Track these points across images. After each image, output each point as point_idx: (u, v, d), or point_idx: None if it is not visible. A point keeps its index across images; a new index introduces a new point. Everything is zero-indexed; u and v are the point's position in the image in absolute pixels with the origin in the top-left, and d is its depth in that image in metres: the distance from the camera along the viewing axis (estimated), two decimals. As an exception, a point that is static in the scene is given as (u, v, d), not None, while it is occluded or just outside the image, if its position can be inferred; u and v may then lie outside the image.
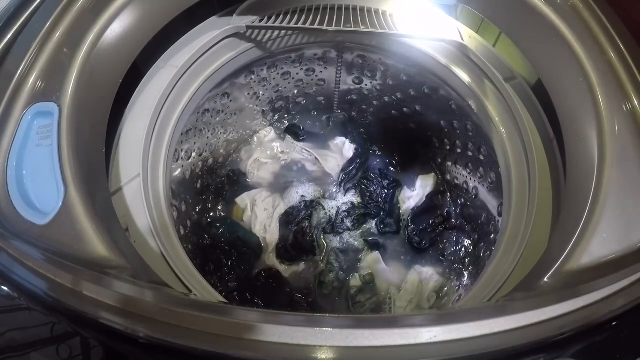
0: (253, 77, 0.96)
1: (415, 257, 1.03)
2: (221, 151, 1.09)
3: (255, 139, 1.18)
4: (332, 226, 1.06)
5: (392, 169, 1.19)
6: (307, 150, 1.18)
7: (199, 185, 1.00)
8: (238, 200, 1.08)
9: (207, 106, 0.90)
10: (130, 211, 0.60)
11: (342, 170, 1.15)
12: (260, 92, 1.05)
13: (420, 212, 1.07)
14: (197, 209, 1.00)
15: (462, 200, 1.03)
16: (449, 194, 1.09)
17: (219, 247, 0.97)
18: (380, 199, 1.10)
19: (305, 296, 0.96)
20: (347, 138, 1.20)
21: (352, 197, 1.13)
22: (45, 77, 0.54)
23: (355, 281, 0.97)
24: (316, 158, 1.16)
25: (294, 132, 1.21)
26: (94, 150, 0.56)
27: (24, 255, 0.41)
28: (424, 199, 1.09)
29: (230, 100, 0.97)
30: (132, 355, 0.36)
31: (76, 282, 0.39)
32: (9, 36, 0.56)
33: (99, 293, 0.38)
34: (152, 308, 0.37)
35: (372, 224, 1.08)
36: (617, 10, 0.60)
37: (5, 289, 0.39)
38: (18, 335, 0.38)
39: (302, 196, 1.11)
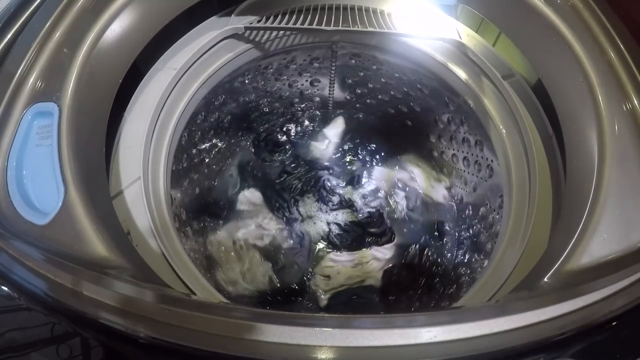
0: (251, 77, 0.96)
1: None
2: (221, 149, 1.09)
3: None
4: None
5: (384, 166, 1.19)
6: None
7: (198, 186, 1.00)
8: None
9: (206, 107, 0.90)
10: (132, 215, 0.60)
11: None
12: (260, 92, 1.05)
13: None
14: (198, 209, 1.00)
15: (459, 196, 1.03)
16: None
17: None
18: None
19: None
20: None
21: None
22: (45, 77, 0.54)
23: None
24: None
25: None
26: (94, 150, 0.56)
27: (24, 255, 0.41)
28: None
29: (229, 101, 0.97)
30: (132, 355, 0.36)
31: (76, 282, 0.39)
32: (9, 36, 0.56)
33: (99, 293, 0.38)
34: (152, 308, 0.37)
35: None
36: (617, 10, 0.60)
37: (5, 289, 0.39)
38: (18, 335, 0.38)
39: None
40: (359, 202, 1.11)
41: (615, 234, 0.48)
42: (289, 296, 0.97)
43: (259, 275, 0.96)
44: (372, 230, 1.05)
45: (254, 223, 1.03)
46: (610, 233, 0.48)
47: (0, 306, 0.39)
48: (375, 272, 1.00)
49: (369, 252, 1.02)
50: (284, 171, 1.14)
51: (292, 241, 1.03)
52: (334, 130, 1.18)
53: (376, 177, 1.14)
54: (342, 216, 1.09)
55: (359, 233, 1.05)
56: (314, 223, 1.08)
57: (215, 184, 1.09)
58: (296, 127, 1.22)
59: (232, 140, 1.13)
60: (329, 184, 1.12)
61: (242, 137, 1.17)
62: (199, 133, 0.93)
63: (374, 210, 1.09)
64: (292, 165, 1.16)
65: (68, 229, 0.46)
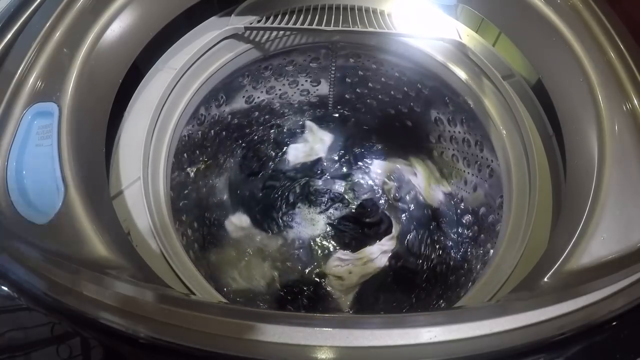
0: (250, 77, 0.96)
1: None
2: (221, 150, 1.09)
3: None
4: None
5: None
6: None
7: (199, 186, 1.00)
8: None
9: (206, 107, 0.90)
10: (132, 215, 0.60)
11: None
12: (258, 92, 1.05)
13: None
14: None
15: (459, 197, 1.03)
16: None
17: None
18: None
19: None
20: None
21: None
22: (45, 77, 0.54)
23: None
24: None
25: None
26: (94, 150, 0.56)
27: (24, 255, 0.41)
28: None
29: (227, 104, 0.97)
30: (132, 355, 0.36)
31: (76, 282, 0.39)
32: (9, 36, 0.56)
33: (99, 293, 0.38)
34: (152, 308, 0.37)
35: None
36: (617, 10, 0.59)
37: (5, 289, 0.39)
38: (18, 335, 0.38)
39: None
40: (350, 194, 1.12)
41: (615, 234, 0.48)
42: (308, 301, 0.97)
43: (263, 280, 0.96)
44: (368, 220, 1.05)
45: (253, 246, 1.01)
46: (610, 233, 0.48)
47: (0, 306, 0.39)
48: (384, 265, 1.02)
49: (375, 248, 1.03)
50: (269, 186, 1.12)
51: (295, 251, 1.02)
52: (322, 145, 1.18)
53: (371, 169, 1.15)
54: (337, 212, 1.09)
55: (358, 229, 1.05)
56: (313, 225, 1.08)
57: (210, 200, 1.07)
58: (297, 126, 1.23)
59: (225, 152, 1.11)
60: (315, 187, 1.12)
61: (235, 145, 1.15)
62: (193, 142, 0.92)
63: (365, 200, 1.10)
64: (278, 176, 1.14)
65: (68, 228, 0.46)
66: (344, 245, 1.03)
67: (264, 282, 0.95)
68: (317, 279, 1.00)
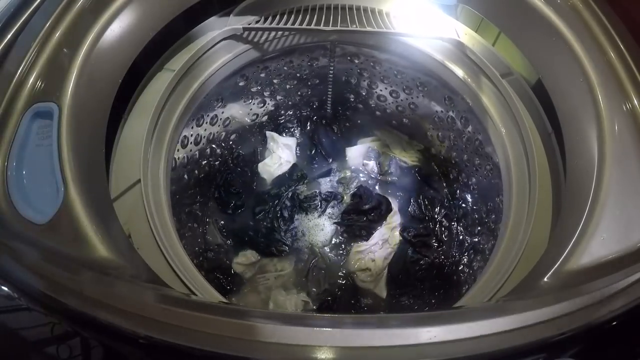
0: (250, 78, 0.96)
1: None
2: (220, 150, 1.09)
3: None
4: (334, 198, 1.09)
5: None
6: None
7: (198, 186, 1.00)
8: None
9: (206, 107, 0.90)
10: (132, 217, 0.60)
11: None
12: (258, 92, 1.05)
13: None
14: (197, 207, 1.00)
15: (460, 197, 1.03)
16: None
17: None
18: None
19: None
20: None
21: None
22: (45, 77, 0.54)
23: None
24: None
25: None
26: (94, 150, 0.56)
27: (24, 255, 0.41)
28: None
29: (227, 105, 0.97)
30: (132, 355, 0.36)
31: (76, 282, 0.39)
32: (9, 36, 0.56)
33: (99, 293, 0.38)
34: (152, 308, 0.37)
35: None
36: (617, 10, 0.59)
37: (5, 289, 0.39)
38: (18, 335, 0.38)
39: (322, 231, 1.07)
40: (340, 188, 1.13)
41: (615, 234, 0.48)
42: (347, 304, 0.97)
43: (297, 307, 0.93)
44: (367, 206, 1.05)
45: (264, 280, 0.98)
46: (610, 233, 0.48)
47: (0, 306, 0.39)
48: (399, 240, 1.04)
49: (384, 229, 1.04)
50: (258, 212, 1.08)
51: (313, 262, 1.01)
52: (289, 151, 1.17)
53: (348, 157, 1.16)
54: (336, 209, 1.09)
55: (362, 218, 1.05)
56: (321, 230, 1.07)
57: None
58: (298, 127, 1.23)
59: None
60: (304, 194, 1.11)
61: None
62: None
63: (356, 189, 1.11)
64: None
65: (68, 228, 0.46)
66: (356, 237, 1.04)
67: (298, 309, 0.93)
68: (346, 280, 1.00)
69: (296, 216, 1.08)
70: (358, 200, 1.07)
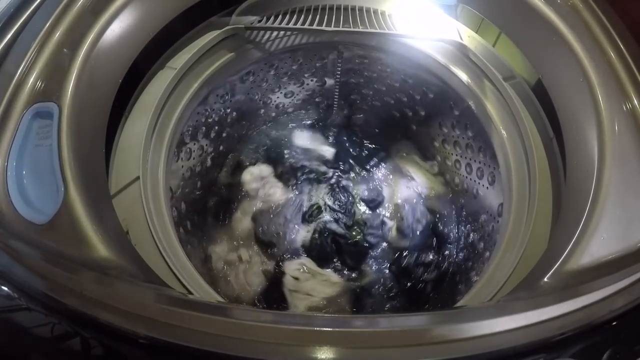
0: (252, 77, 0.96)
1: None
2: (221, 148, 1.09)
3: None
4: (346, 215, 1.09)
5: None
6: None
7: (199, 185, 1.00)
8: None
9: (206, 107, 0.90)
10: (131, 214, 0.60)
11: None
12: (259, 93, 1.05)
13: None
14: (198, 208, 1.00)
15: (462, 199, 1.03)
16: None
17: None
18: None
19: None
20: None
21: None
22: (45, 77, 0.54)
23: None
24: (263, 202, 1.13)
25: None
26: (94, 150, 0.56)
27: (24, 255, 0.41)
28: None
29: (230, 101, 0.97)
30: (132, 355, 0.36)
31: (76, 282, 0.39)
32: (9, 36, 0.56)
33: (99, 293, 0.38)
34: (152, 308, 0.37)
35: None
36: (617, 10, 0.59)
37: (5, 289, 0.39)
38: (18, 335, 0.38)
39: (308, 232, 1.09)
40: (362, 225, 1.11)
41: (615, 234, 0.48)
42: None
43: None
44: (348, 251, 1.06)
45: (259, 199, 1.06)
46: (610, 233, 0.48)
47: (0, 306, 0.39)
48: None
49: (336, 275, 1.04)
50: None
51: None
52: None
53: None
54: (343, 221, 1.10)
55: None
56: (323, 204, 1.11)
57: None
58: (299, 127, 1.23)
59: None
60: (341, 184, 1.14)
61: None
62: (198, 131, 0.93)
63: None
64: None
65: (68, 228, 0.46)
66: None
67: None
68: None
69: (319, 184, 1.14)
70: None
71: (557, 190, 0.64)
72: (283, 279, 0.99)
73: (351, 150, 1.20)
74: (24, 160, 0.50)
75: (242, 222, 1.06)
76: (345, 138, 1.21)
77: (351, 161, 1.18)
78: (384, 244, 1.05)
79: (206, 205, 1.06)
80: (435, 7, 0.82)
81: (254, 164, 1.12)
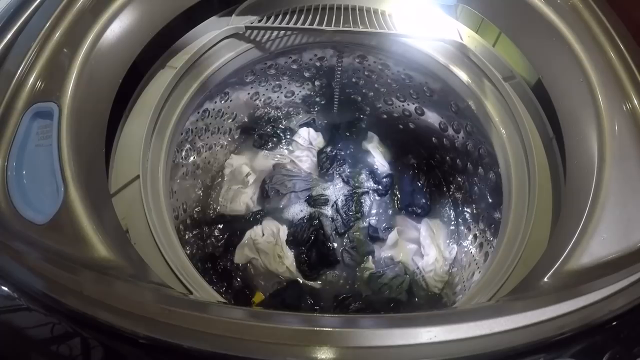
0: (252, 77, 0.96)
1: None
2: (220, 147, 1.09)
3: (226, 170, 1.15)
4: (343, 222, 1.09)
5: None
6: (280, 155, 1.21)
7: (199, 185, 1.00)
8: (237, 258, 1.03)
9: (207, 106, 0.90)
10: (130, 213, 0.60)
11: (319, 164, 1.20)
12: (260, 92, 1.05)
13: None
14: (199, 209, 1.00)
15: (460, 196, 1.03)
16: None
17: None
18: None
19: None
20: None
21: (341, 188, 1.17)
22: (45, 77, 0.54)
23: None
24: (292, 160, 1.19)
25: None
26: (94, 150, 0.56)
27: (24, 255, 0.41)
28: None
29: (230, 100, 0.97)
30: (132, 355, 0.36)
31: (76, 282, 0.39)
32: (9, 36, 0.56)
33: (99, 293, 0.38)
34: (152, 308, 0.37)
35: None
36: (617, 10, 0.59)
37: (5, 289, 0.39)
38: (18, 335, 0.38)
39: (301, 211, 1.12)
40: (350, 241, 1.11)
41: (615, 234, 0.47)
42: None
43: None
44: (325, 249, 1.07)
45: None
46: (610, 233, 0.48)
47: (0, 306, 0.39)
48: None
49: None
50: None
51: None
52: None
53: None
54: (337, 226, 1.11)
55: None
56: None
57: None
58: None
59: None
60: (361, 199, 1.16)
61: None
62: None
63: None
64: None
65: (68, 228, 0.46)
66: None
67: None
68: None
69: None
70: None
71: (557, 190, 0.64)
72: (255, 225, 1.05)
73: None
74: (24, 160, 0.50)
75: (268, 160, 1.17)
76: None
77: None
78: (351, 282, 1.01)
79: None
80: (435, 7, 0.81)
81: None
